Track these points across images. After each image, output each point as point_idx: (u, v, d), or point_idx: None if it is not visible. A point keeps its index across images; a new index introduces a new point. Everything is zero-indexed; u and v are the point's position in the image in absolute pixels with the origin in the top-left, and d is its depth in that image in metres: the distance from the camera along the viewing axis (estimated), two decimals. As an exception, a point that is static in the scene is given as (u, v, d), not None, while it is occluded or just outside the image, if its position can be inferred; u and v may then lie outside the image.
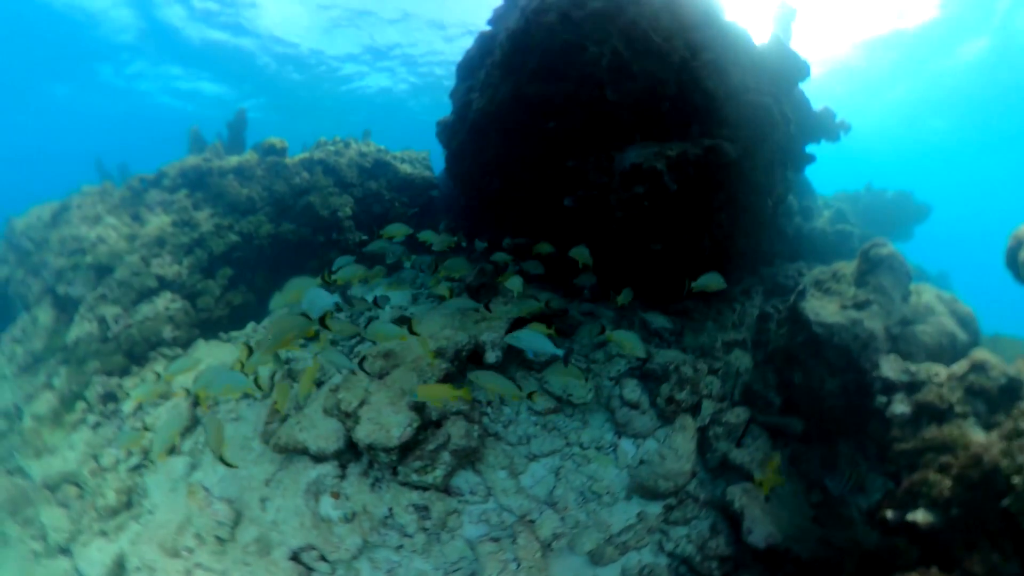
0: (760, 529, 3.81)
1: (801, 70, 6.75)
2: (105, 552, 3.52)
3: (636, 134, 5.38)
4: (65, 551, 3.62)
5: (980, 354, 3.79)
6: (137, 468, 4.31)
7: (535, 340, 3.55)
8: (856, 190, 10.74)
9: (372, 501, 3.67)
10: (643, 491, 4.31)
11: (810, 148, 7.79)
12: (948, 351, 4.39)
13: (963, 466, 3.13)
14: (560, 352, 3.58)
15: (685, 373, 4.97)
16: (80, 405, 4.59)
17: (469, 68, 6.84)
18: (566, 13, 5.32)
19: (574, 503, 4.20)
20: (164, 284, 5.61)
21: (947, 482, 3.14)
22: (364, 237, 8.09)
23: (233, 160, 6.34)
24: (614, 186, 5.26)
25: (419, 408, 3.94)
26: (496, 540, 3.64)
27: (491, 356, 4.57)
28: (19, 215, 5.57)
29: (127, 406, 4.70)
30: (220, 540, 3.44)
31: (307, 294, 3.35)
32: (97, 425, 4.49)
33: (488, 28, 6.81)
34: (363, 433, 3.72)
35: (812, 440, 4.75)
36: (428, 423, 4.00)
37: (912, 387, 4.02)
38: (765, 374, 5.12)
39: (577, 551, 3.87)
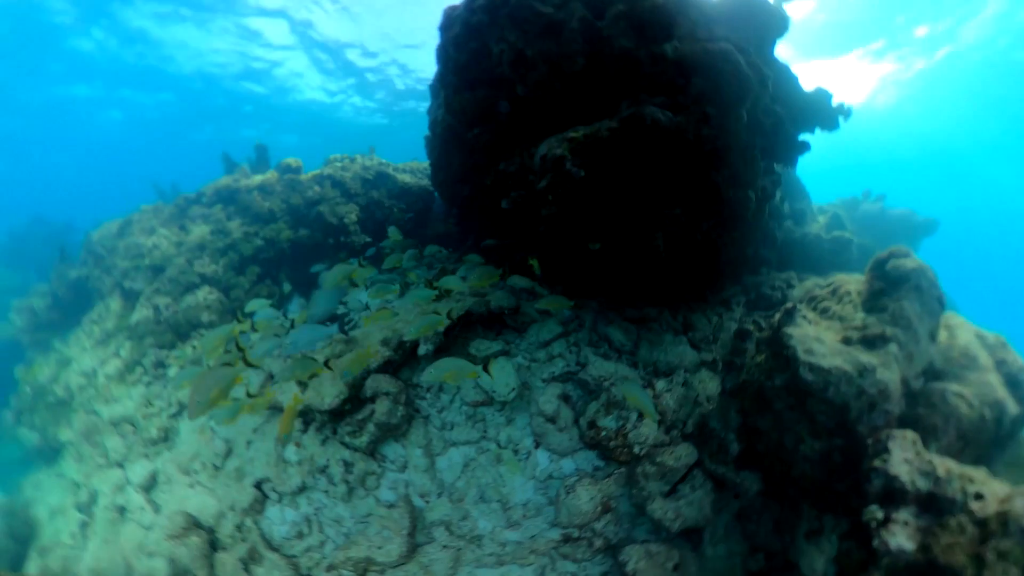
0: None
1: (778, 20, 5.51)
2: (145, 467, 5.11)
3: (563, 123, 4.71)
4: (120, 465, 5.30)
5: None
6: (174, 415, 5.95)
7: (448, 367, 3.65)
8: (853, 196, 10.20)
9: (318, 453, 4.59)
10: (542, 510, 4.06)
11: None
12: (990, 431, 2.94)
13: None
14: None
15: (615, 395, 4.29)
16: (138, 369, 6.28)
17: (436, 85, 7.21)
18: (466, 21, 5.26)
19: (471, 499, 4.25)
20: (204, 280, 7.25)
21: None
22: (368, 240, 9.46)
23: (257, 179, 7.89)
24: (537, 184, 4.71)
25: (354, 386, 4.62)
26: (391, 507, 4.30)
27: (423, 348, 5.06)
28: (94, 229, 7.38)
29: (171, 371, 6.37)
30: (215, 467, 4.89)
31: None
32: (149, 384, 6.15)
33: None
34: (306, 397, 4.71)
35: (769, 496, 3.84)
36: (362, 398, 4.69)
37: (929, 505, 2.45)
38: (728, 411, 4.12)
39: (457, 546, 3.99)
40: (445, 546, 4.18)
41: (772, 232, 6.92)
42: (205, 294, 7.20)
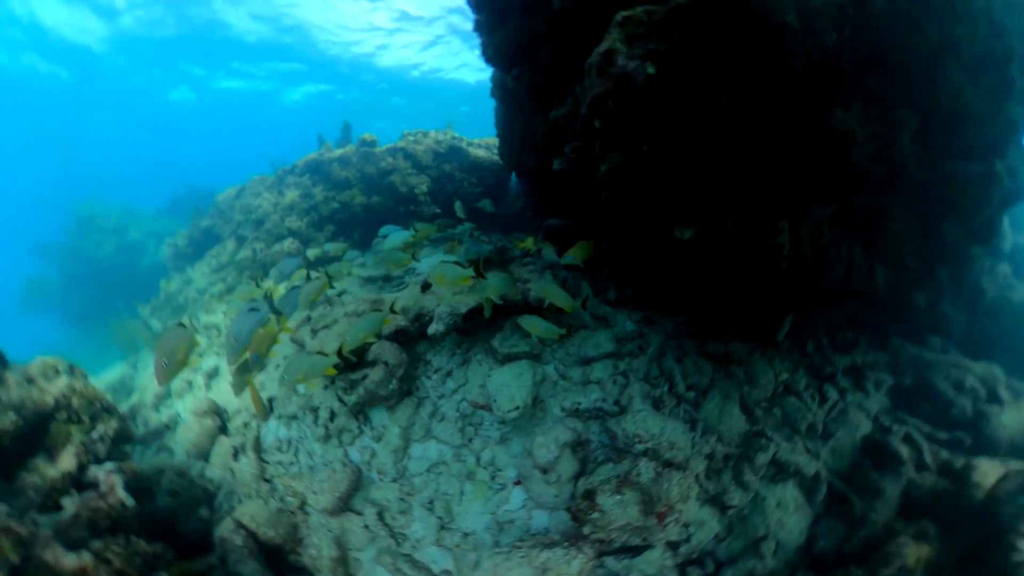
0: None
1: None
2: (213, 362, 6.39)
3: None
4: (202, 355, 7.30)
5: None
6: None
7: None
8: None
9: (318, 394, 4.86)
10: (480, 550, 3.42)
11: None
12: None
13: None
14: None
15: (636, 476, 3.11)
16: (235, 291, 8.39)
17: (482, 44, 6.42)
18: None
19: (420, 499, 3.91)
20: (290, 232, 9.06)
21: None
22: (437, 210, 10.30)
23: (337, 152, 9.40)
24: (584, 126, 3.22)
25: (358, 348, 4.49)
26: (345, 465, 4.33)
27: (432, 328, 4.70)
28: (219, 192, 9.83)
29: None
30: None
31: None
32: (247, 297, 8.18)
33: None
34: (309, 346, 5.15)
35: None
36: (365, 360, 4.69)
37: None
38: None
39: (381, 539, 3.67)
40: (367, 527, 3.97)
41: (977, 278, 4.24)
42: (289, 243, 9.02)
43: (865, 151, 3.00)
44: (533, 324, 3.60)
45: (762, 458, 3.27)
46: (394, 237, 5.71)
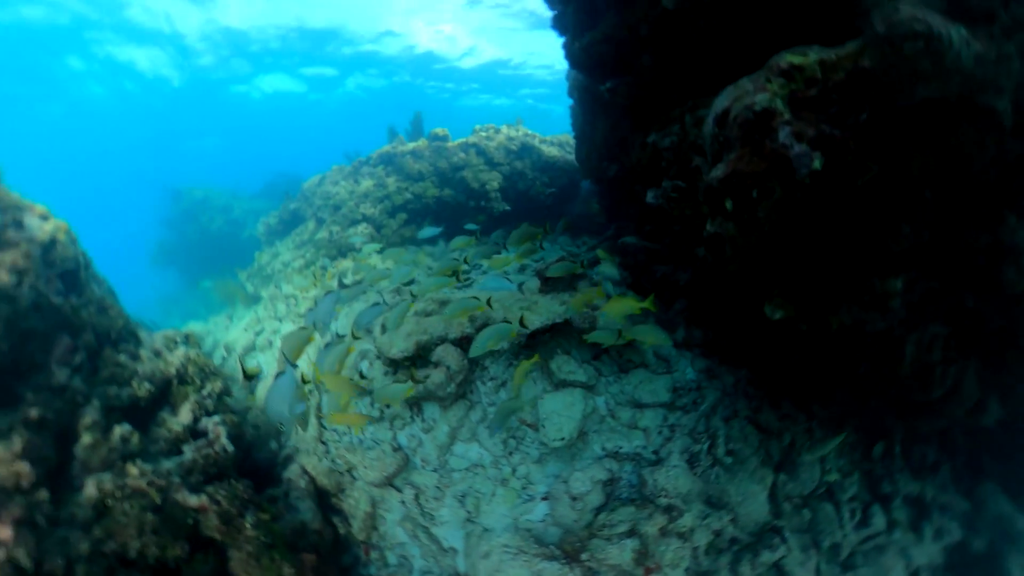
0: None
1: None
2: (290, 326, 7.42)
3: (754, 58, 2.41)
4: (279, 320, 7.88)
5: None
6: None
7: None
8: None
9: (378, 377, 5.10)
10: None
11: None
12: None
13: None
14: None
15: (646, 526, 3.15)
16: (311, 268, 8.98)
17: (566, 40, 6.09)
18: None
19: (453, 492, 4.20)
20: (364, 218, 9.55)
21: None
22: (507, 208, 10.35)
23: (410, 145, 9.73)
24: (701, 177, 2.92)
25: (423, 347, 4.73)
26: (396, 450, 4.66)
27: (497, 344, 4.41)
28: (305, 180, 10.55)
29: (328, 274, 8.93)
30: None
31: None
32: (313, 276, 8.80)
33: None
34: (378, 341, 5.25)
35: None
36: (426, 360, 4.86)
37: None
38: None
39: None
40: (403, 502, 4.42)
41: None
42: (363, 228, 9.52)
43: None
44: (647, 333, 3.46)
45: (767, 557, 3.13)
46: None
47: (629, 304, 3.52)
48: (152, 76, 23.73)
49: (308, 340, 3.80)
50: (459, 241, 5.80)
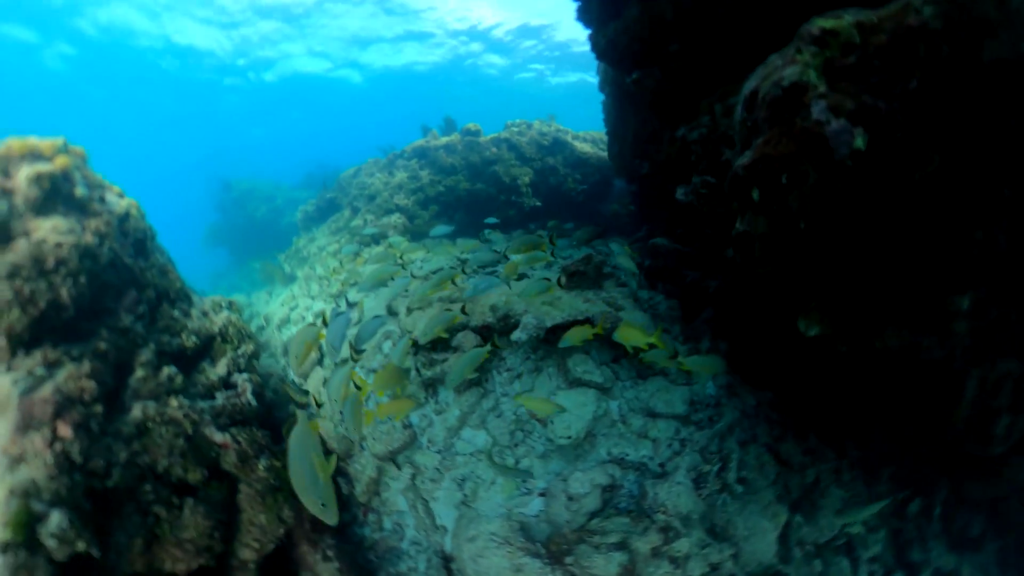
0: None
1: None
2: (322, 305, 7.63)
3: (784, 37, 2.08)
4: (312, 298, 8.21)
5: None
6: (351, 285, 8.74)
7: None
8: None
9: (399, 357, 5.18)
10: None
11: None
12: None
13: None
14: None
15: (637, 542, 3.13)
16: (343, 251, 9.39)
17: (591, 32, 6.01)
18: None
19: (453, 476, 4.31)
20: (397, 208, 9.85)
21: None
22: (538, 203, 10.46)
23: (443, 140, 9.91)
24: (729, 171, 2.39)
25: (448, 330, 4.76)
26: (406, 427, 4.79)
27: (516, 335, 4.74)
28: (341, 172, 10.98)
29: (358, 260, 9.28)
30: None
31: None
32: (343, 260, 9.17)
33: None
34: (405, 321, 5.57)
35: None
36: (448, 344, 5.02)
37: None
38: None
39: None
40: (397, 478, 4.55)
41: None
42: (396, 217, 9.82)
43: None
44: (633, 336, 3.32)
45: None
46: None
47: (637, 336, 3.40)
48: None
49: (318, 337, 4.10)
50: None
